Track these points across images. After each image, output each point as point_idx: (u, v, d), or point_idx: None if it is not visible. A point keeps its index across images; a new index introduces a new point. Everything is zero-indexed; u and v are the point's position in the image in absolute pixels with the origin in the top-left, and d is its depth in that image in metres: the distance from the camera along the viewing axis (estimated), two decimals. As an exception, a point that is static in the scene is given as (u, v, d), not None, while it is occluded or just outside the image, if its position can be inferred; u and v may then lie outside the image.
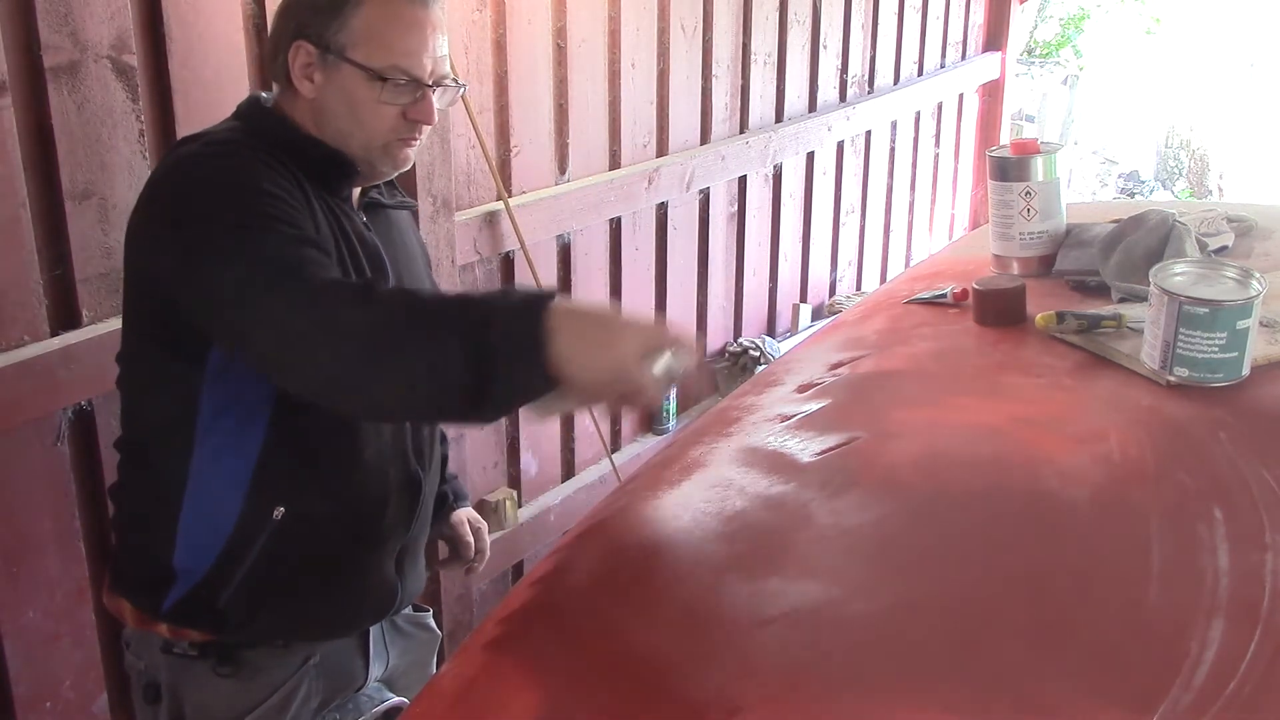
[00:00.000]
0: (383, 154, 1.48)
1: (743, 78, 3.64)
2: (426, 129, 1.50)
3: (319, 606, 1.53)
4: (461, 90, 1.56)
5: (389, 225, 1.60)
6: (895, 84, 4.53)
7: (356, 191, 1.55)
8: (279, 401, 1.42)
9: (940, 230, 5.12)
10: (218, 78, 2.06)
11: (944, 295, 1.89)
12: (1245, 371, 1.49)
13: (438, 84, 1.47)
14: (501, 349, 1.17)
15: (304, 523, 1.46)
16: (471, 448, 2.74)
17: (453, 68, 1.54)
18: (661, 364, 1.20)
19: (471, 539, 1.84)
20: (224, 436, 1.43)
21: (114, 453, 1.56)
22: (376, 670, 1.65)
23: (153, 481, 1.50)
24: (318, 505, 1.48)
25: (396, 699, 1.65)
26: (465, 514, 1.85)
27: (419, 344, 1.20)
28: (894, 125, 4.56)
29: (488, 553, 1.87)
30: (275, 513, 1.44)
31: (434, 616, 1.80)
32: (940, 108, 4.90)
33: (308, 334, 1.24)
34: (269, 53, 1.50)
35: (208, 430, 1.43)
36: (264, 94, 1.53)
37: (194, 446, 1.43)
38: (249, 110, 1.51)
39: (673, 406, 3.50)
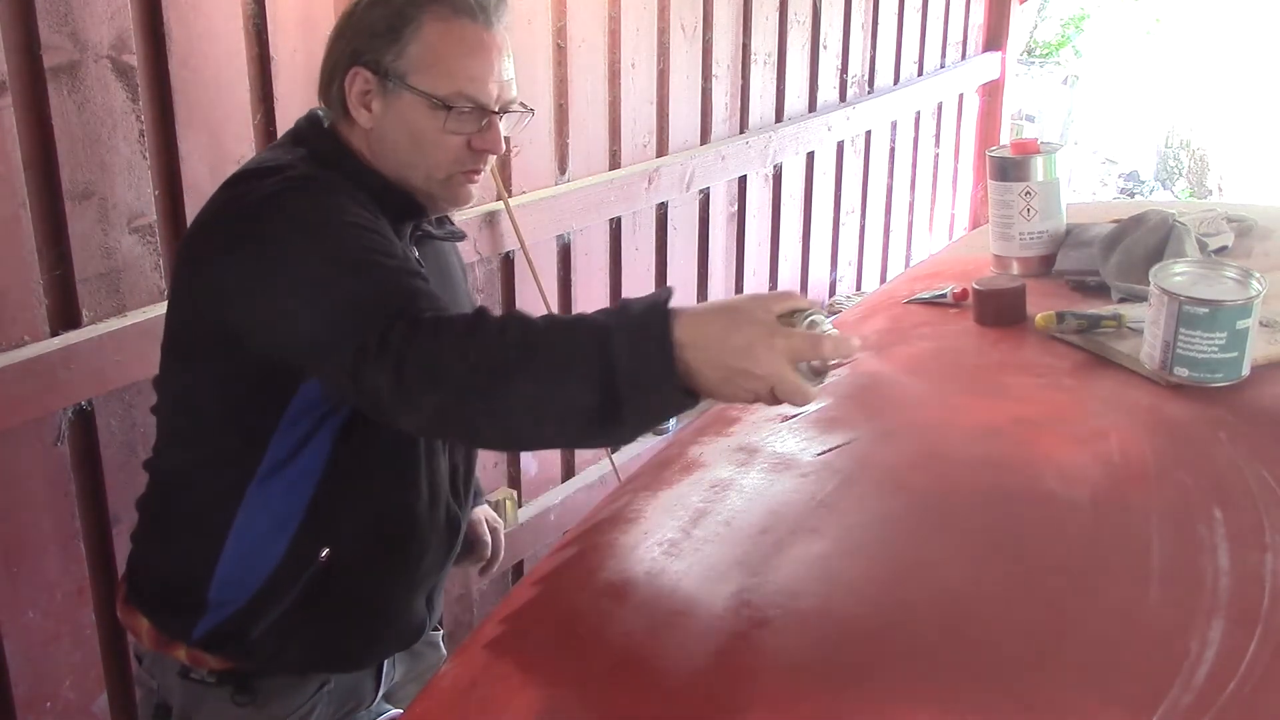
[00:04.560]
0: (444, 187, 1.40)
1: (743, 78, 3.64)
2: (492, 159, 1.42)
3: (349, 641, 1.51)
4: (530, 116, 1.47)
5: (436, 257, 1.54)
6: (895, 84, 4.53)
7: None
8: (338, 446, 1.38)
9: (940, 230, 5.12)
10: (218, 78, 2.06)
11: (944, 295, 1.89)
12: (1245, 371, 1.49)
13: (505, 110, 1.40)
14: (624, 369, 1.08)
15: (348, 563, 1.43)
16: (471, 448, 2.74)
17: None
18: (809, 363, 1.08)
19: (489, 539, 1.80)
20: (280, 480, 1.38)
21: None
22: (384, 689, 1.64)
23: (194, 515, 1.44)
24: (364, 547, 1.44)
25: (395, 710, 1.65)
26: (483, 512, 1.81)
27: (537, 375, 1.13)
28: (894, 125, 4.56)
29: (502, 553, 1.86)
30: (321, 554, 1.41)
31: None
32: (940, 108, 4.90)
33: (421, 373, 1.17)
34: (323, 80, 1.42)
35: (267, 475, 1.38)
36: (320, 109, 1.46)
37: (247, 488, 1.39)
38: (312, 134, 1.43)
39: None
